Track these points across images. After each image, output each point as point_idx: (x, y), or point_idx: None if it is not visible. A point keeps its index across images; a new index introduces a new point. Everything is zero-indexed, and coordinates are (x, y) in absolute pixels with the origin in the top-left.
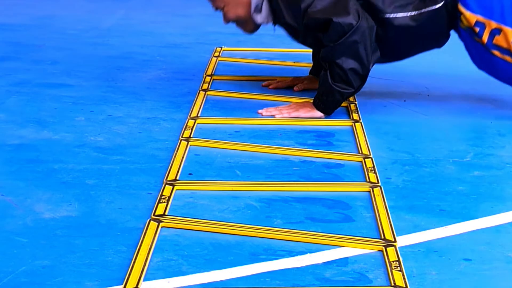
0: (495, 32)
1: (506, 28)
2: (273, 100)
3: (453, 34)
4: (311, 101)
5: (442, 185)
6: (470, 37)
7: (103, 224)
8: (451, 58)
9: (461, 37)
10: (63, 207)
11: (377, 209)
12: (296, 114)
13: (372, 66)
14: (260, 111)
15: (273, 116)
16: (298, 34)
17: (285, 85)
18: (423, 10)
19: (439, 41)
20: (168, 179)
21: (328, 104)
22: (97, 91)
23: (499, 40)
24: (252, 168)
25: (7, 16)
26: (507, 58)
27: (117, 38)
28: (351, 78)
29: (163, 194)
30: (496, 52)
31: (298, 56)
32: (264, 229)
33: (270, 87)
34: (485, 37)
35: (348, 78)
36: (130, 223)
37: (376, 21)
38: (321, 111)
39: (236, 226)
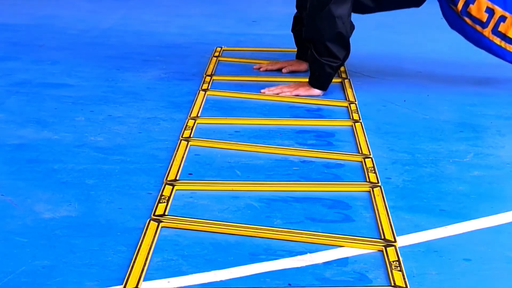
0: (469, 2)
1: (479, 0)
2: (273, 100)
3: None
4: (306, 81)
5: (442, 185)
6: (447, 3)
7: (103, 224)
8: (451, 58)
9: (439, 1)
10: (63, 207)
11: (377, 209)
12: (297, 92)
13: (350, 35)
14: (262, 90)
15: (276, 94)
16: None
17: (275, 67)
18: None
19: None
20: (168, 179)
21: (321, 79)
22: (97, 91)
23: (472, 9)
24: (252, 168)
25: (7, 16)
26: (477, 27)
27: (117, 38)
28: (334, 51)
29: (163, 194)
30: (467, 20)
31: None
32: (264, 229)
33: (261, 69)
34: (460, 5)
35: (332, 52)
36: (130, 223)
37: None
38: (318, 88)
39: (236, 226)
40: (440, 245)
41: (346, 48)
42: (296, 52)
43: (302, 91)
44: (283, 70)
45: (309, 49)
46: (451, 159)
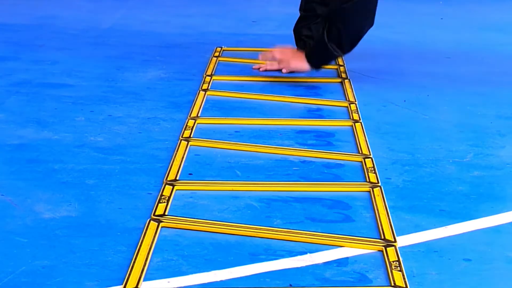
0: None
1: None
2: (273, 100)
3: (457, 35)
4: (303, 52)
5: (442, 185)
6: None
7: (103, 224)
8: (451, 58)
9: None
10: (63, 207)
11: (377, 209)
12: (290, 67)
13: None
14: (262, 69)
15: (275, 69)
16: None
17: (275, 67)
18: None
19: None
20: (168, 179)
21: (320, 59)
22: (97, 91)
23: None
24: (252, 168)
25: (7, 16)
26: None
27: (117, 38)
28: (344, 43)
29: (163, 194)
30: None
31: None
32: (264, 229)
33: (261, 69)
34: None
35: (342, 42)
36: (130, 223)
37: None
38: (312, 65)
39: (236, 226)
40: (440, 245)
41: (353, 46)
42: None
43: (293, 63)
44: (283, 71)
45: (322, 28)
46: (451, 159)
